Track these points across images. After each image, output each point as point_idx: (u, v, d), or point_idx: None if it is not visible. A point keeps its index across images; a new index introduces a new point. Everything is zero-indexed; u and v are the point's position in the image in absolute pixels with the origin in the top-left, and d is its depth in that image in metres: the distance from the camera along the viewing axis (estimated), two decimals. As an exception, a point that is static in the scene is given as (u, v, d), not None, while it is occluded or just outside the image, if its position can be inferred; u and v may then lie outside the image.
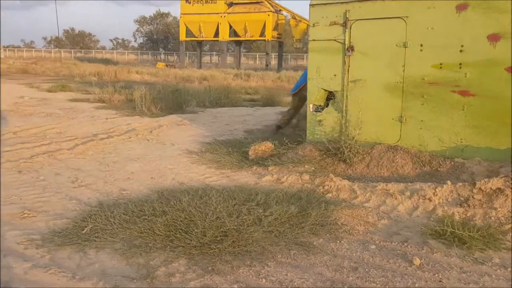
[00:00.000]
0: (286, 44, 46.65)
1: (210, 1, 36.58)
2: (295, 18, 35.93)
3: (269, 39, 36.12)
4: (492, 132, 5.71)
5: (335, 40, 6.70)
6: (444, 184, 5.17)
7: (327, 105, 7.00)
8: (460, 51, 5.78)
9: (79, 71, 29.16)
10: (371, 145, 6.46)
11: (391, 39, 6.26)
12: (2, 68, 30.14)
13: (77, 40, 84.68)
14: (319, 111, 7.03)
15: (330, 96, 7.00)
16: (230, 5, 36.98)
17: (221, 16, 36.57)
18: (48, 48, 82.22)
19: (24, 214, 4.69)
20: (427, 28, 5.97)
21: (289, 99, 16.57)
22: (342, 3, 6.59)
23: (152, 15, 77.30)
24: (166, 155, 7.54)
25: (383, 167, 6.07)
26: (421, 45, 6.04)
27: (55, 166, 6.66)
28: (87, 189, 5.64)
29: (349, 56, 6.60)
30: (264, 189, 5.59)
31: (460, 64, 5.80)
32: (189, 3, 37.31)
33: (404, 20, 6.12)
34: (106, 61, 48.45)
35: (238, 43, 40.69)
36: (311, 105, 7.10)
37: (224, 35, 37.38)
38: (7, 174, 6.13)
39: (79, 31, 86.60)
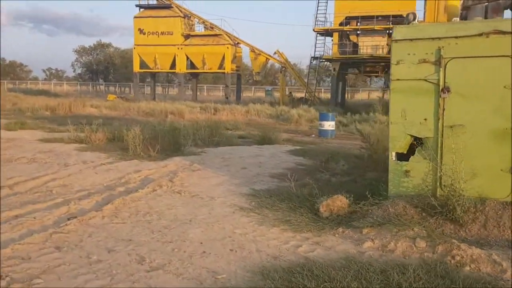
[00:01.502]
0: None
1: (166, 33, 35.29)
2: (254, 51, 35.57)
3: (229, 72, 35.36)
4: None
5: (425, 80, 5.88)
6: None
7: (411, 153, 6.12)
8: None
9: (27, 104, 26.66)
10: (475, 200, 5.60)
11: (497, 80, 5.53)
12: None
13: (7, 71, 79.34)
14: (404, 160, 6.12)
15: (416, 142, 6.13)
16: (187, 37, 35.94)
17: (178, 48, 35.36)
18: (-26, 79, 76.36)
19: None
20: (544, 68, 5.30)
21: (284, 135, 15.89)
22: (434, 39, 5.81)
23: (92, 45, 74.44)
24: (218, 214, 6.26)
25: (506, 228, 5.21)
26: (536, 88, 5.36)
27: (97, 236, 5.18)
28: (167, 274, 4.28)
29: (444, 98, 5.79)
30: (382, 262, 4.58)
31: None
32: (144, 34, 35.77)
33: (514, 59, 5.42)
34: (45, 93, 45.61)
35: (195, 75, 39.56)
36: (393, 153, 6.17)
37: (182, 67, 36.09)
38: (44, 252, 4.61)
39: (9, 61, 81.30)
